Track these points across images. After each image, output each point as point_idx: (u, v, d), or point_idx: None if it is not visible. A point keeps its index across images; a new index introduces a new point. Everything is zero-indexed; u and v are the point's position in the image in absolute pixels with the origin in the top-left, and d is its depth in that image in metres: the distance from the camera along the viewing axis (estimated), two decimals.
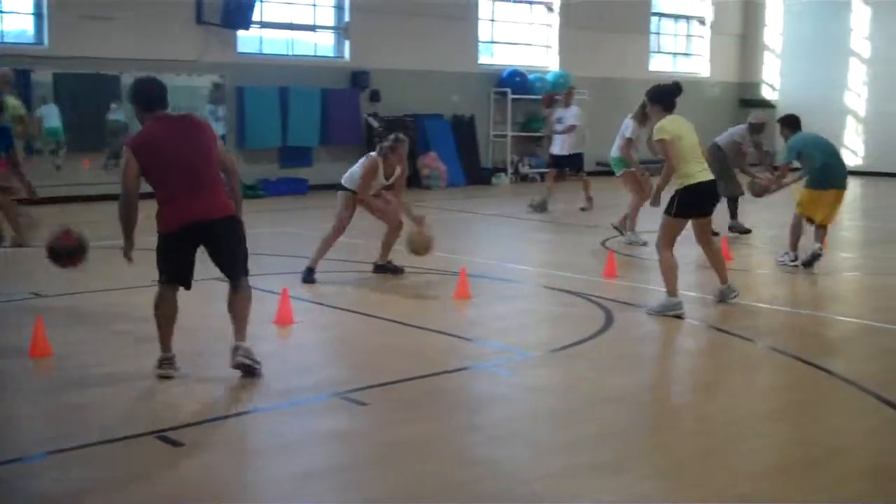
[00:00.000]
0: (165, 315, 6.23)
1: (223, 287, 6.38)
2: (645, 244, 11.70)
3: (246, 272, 6.27)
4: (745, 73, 26.27)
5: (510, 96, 20.61)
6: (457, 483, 4.63)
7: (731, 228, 12.72)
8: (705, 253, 8.69)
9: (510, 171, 21.12)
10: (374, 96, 19.11)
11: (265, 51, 18.58)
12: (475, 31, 20.91)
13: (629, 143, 12.05)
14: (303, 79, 18.21)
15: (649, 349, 7.47)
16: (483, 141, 20.79)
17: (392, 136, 9.96)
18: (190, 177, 6.04)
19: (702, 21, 25.63)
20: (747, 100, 26.02)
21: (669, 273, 8.18)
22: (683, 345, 7.67)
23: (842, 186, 10.35)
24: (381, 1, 19.03)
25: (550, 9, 22.25)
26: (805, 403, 6.06)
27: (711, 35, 25.61)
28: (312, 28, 19.18)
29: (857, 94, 24.13)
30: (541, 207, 15.36)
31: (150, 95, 6.18)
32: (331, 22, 19.30)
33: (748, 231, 12.79)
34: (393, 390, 6.08)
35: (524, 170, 21.27)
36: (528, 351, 7.05)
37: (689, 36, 25.69)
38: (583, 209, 15.33)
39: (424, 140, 19.42)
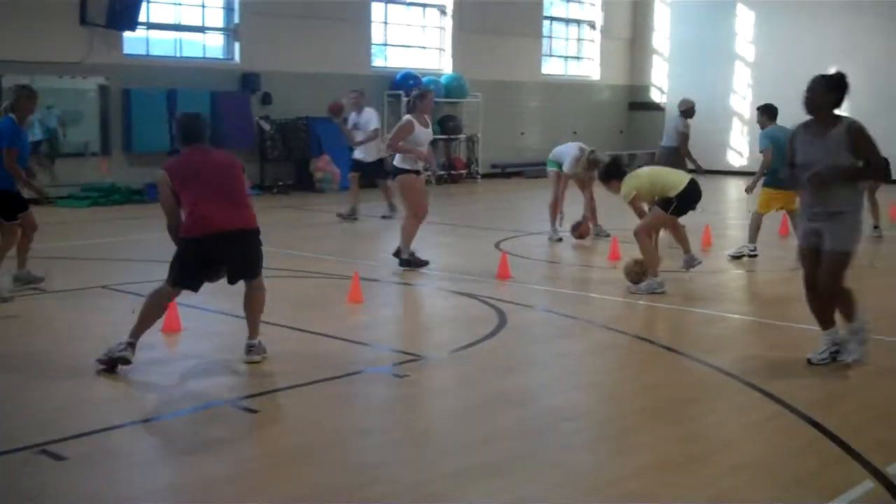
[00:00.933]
0: (149, 316, 6.55)
1: (109, 296, 6.19)
2: (560, 240, 12.37)
3: (259, 271, 6.74)
4: (634, 76, 26.78)
5: (404, 99, 20.58)
6: (348, 488, 4.58)
7: None
8: (672, 233, 10.06)
9: None
10: (266, 99, 18.87)
11: (152, 52, 18.17)
12: (368, 34, 20.83)
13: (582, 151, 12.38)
14: (191, 81, 17.86)
15: (542, 349, 7.51)
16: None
17: (419, 88, 10.73)
18: (221, 189, 6.52)
19: (592, 25, 26.04)
20: (637, 102, 26.56)
21: (655, 256, 9.34)
22: (576, 345, 7.74)
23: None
24: (272, 3, 18.81)
25: (444, 12, 22.32)
26: (690, 400, 6.17)
27: (601, 39, 26.04)
28: (201, 29, 18.84)
29: (741, 97, 24.82)
30: (350, 216, 14.57)
31: (189, 131, 6.70)
32: (220, 23, 18.98)
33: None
34: (284, 397, 6.00)
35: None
36: (422, 353, 7.03)
37: (580, 40, 26.07)
38: (385, 217, 14.59)
39: (317, 143, 19.25)
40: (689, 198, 9.40)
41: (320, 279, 9.90)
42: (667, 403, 6.03)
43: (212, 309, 8.30)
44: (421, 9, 22.14)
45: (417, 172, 10.27)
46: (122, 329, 6.49)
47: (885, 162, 6.54)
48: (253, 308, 6.73)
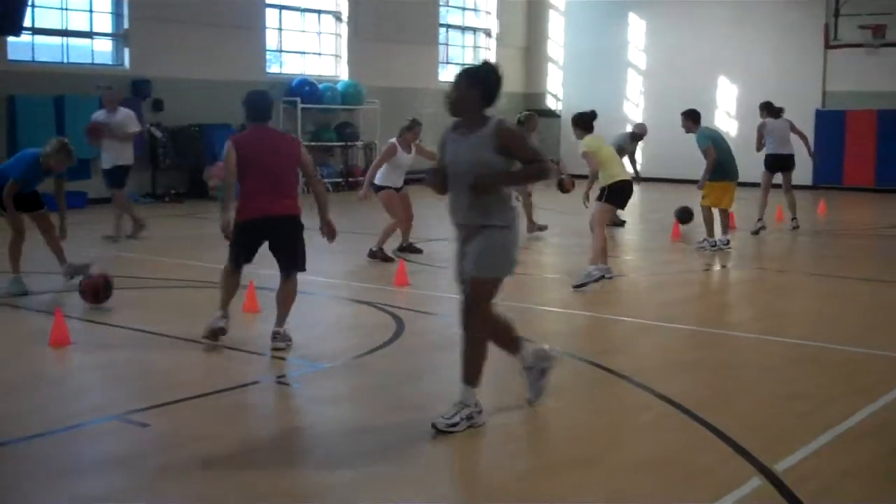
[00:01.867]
0: (229, 285, 7.51)
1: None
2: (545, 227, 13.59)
3: (302, 268, 7.50)
4: (530, 83, 27.08)
5: (300, 106, 20.43)
6: (240, 502, 4.48)
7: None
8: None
9: (301, 181, 20.87)
10: (157, 105, 18.49)
11: (38, 58, 17.64)
12: (262, 40, 20.61)
13: None
14: (79, 87, 17.39)
15: (439, 356, 7.49)
16: None
17: (410, 119, 12.20)
18: (273, 178, 7.19)
19: (488, 33, 26.25)
20: (533, 110, 26.81)
21: (601, 248, 10.08)
22: None
23: (736, 178, 12.40)
24: (163, 8, 18.45)
25: (339, 18, 22.22)
26: (583, 401, 6.25)
27: (497, 47, 26.27)
28: (89, 34, 18.37)
29: (634, 104, 25.31)
30: (135, 232, 13.14)
31: (256, 110, 7.32)
32: (109, 28, 18.54)
33: (623, 223, 14.66)
34: (177, 410, 5.86)
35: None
36: (319, 362, 6.96)
37: (476, 47, 26.25)
38: (109, 237, 12.94)
39: (211, 151, 18.93)
40: (620, 192, 10.18)
41: (215, 289, 9.70)
42: (560, 406, 6.08)
43: (101, 322, 8.09)
44: (316, 15, 22.00)
45: (398, 189, 11.72)
46: None
47: (545, 162, 5.65)
48: (286, 300, 7.41)
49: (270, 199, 7.16)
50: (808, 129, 22.20)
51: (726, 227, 12.61)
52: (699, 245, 12.50)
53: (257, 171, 7.13)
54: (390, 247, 11.73)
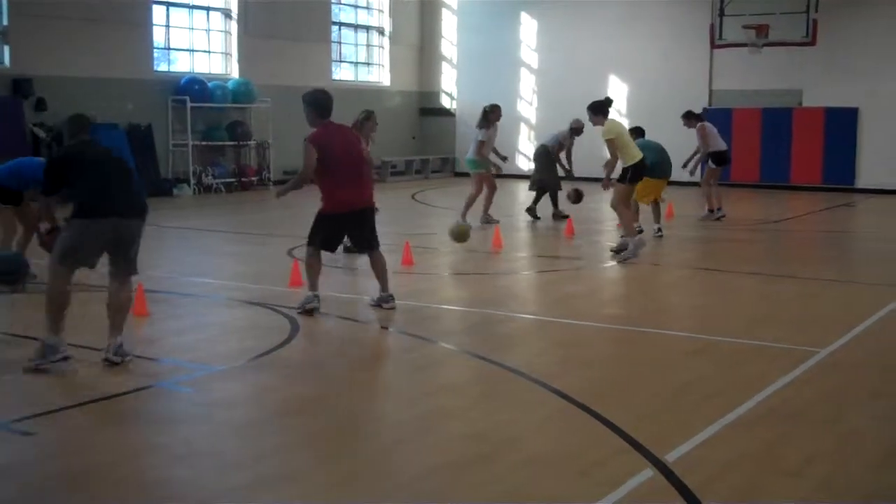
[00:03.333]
0: (315, 266, 8.43)
1: None
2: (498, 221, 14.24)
3: (377, 244, 8.54)
4: (424, 82, 27.11)
5: (189, 104, 20.05)
6: None
7: (554, 216, 15.45)
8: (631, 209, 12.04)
9: (193, 181, 20.53)
10: (40, 105, 17.88)
11: None
12: (149, 37, 20.14)
13: (482, 144, 14.33)
14: None
15: (334, 356, 7.46)
16: (162, 151, 20.07)
17: (364, 112, 12.35)
18: (352, 171, 8.18)
19: (381, 32, 26.19)
20: (427, 108, 26.89)
21: (631, 223, 11.75)
22: (368, 350, 7.74)
23: (668, 175, 13.45)
24: (45, 4, 17.87)
25: (229, 15, 21.87)
26: (480, 399, 6.27)
27: (391, 45, 26.22)
28: None
29: (528, 103, 25.56)
30: None
31: (324, 107, 8.28)
32: None
33: (567, 216, 14.95)
34: (63, 417, 5.70)
35: (207, 180, 20.73)
36: (212, 365, 6.85)
37: (369, 46, 26.16)
38: None
39: None
40: (639, 169, 11.57)
41: (102, 293, 9.45)
42: (456, 404, 6.11)
43: None
44: (205, 12, 21.61)
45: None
46: None
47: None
48: (379, 271, 8.53)
49: (354, 193, 8.26)
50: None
51: (658, 217, 13.74)
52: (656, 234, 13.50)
53: (337, 161, 8.11)
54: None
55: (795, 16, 20.32)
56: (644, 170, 11.77)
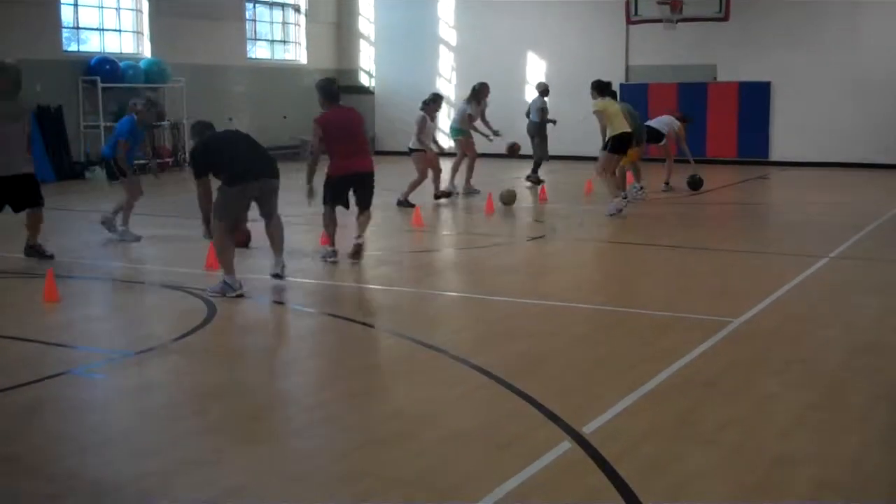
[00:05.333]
0: (332, 223, 9.91)
1: None
2: (478, 192, 15.70)
3: (369, 205, 10.02)
4: (342, 60, 26.86)
5: (100, 85, 19.57)
6: (42, 498, 4.27)
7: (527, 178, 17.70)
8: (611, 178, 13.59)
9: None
10: None
11: None
12: (57, 16, 19.59)
13: (469, 118, 16.25)
14: None
15: (253, 339, 7.37)
16: (73, 133, 19.57)
17: (431, 94, 15.50)
18: (350, 144, 9.70)
19: (297, 9, 25.85)
20: (346, 86, 26.61)
21: (614, 186, 13.47)
22: (286, 332, 7.67)
23: (642, 140, 14.90)
24: None
25: None
26: (400, 377, 6.27)
27: (307, 23, 25.92)
28: None
29: (447, 80, 25.50)
30: None
31: (330, 93, 9.85)
32: None
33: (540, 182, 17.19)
34: None
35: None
36: (125, 351, 6.71)
37: (285, 23, 25.82)
38: None
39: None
40: (621, 140, 13.25)
41: (11, 279, 9.23)
42: (377, 383, 6.09)
43: None
44: None
45: (425, 151, 14.59)
46: None
47: None
48: (362, 222, 9.94)
49: (352, 161, 9.72)
50: None
51: (638, 177, 15.48)
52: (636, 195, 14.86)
53: (343, 136, 9.65)
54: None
55: None
56: (629, 142, 13.46)
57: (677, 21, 20.79)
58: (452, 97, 25.20)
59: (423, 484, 4.43)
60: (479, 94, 16.45)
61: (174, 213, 12.99)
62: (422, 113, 14.75)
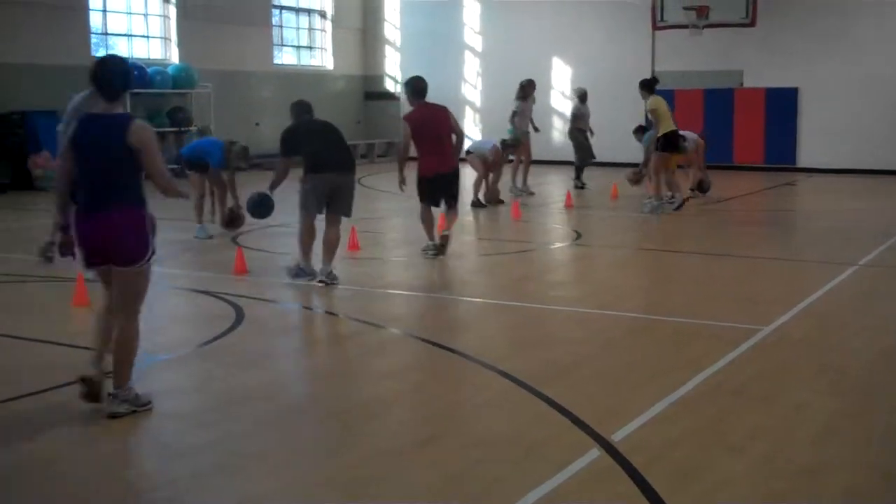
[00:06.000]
0: (427, 220, 10.51)
1: None
2: (533, 194, 16.62)
3: (455, 204, 10.57)
4: (368, 66, 26.96)
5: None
6: (72, 500, 4.30)
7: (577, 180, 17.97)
8: (665, 175, 14.27)
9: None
10: None
11: None
12: (86, 22, 19.76)
13: (517, 115, 16.42)
14: None
15: (281, 343, 7.40)
16: None
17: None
18: (438, 143, 10.10)
19: (323, 15, 25.96)
20: (372, 92, 26.76)
21: (662, 187, 14.07)
22: (315, 336, 7.70)
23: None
24: None
25: (167, 0, 21.53)
26: (426, 382, 6.26)
27: (333, 29, 26.02)
28: None
29: (472, 86, 25.53)
30: None
31: (418, 90, 10.25)
32: None
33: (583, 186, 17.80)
34: (4, 410, 5.59)
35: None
36: (156, 355, 6.74)
37: (311, 29, 25.93)
38: None
39: (35, 139, 18.09)
40: (668, 139, 13.77)
41: (41, 283, 9.31)
42: (403, 388, 6.09)
43: None
44: None
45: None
46: None
47: None
48: (451, 221, 10.60)
49: (438, 160, 10.11)
50: (639, 109, 22.91)
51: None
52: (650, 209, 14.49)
53: (430, 135, 10.03)
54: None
55: None
56: (677, 139, 13.92)
57: (703, 27, 20.73)
58: (478, 103, 25.27)
59: (451, 490, 4.43)
60: (526, 90, 16.81)
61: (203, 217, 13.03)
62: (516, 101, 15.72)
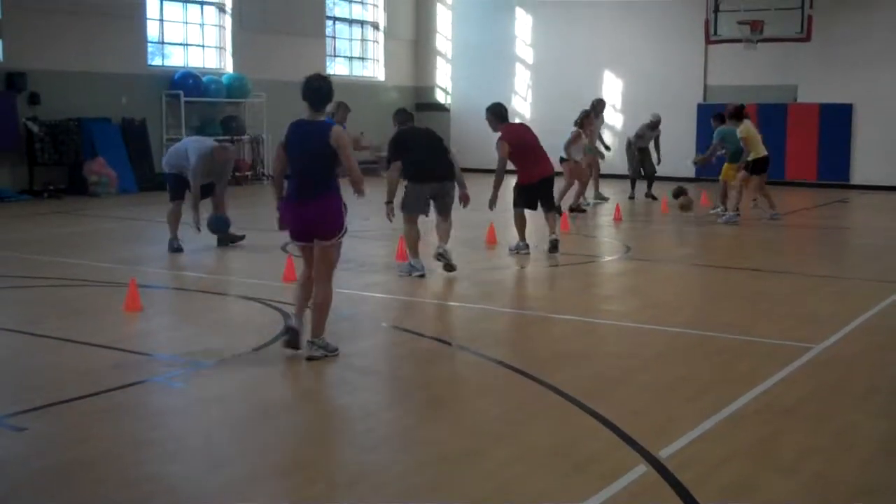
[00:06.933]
0: (522, 223, 11.53)
1: None
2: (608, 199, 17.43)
3: (552, 207, 11.70)
4: (419, 77, 27.06)
5: (183, 99, 19.99)
6: (121, 503, 4.35)
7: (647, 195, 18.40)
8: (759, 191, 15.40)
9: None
10: (34, 99, 17.82)
11: None
12: (143, 31, 20.07)
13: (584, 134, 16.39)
14: None
15: None
16: (157, 145, 20.00)
17: (588, 108, 16.70)
18: (536, 153, 11.33)
19: (376, 26, 26.13)
20: (423, 103, 26.84)
21: (739, 200, 15.04)
22: (363, 344, 7.70)
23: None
24: None
25: (223, 10, 21.81)
26: (472, 393, 6.25)
27: (385, 40, 26.17)
28: None
29: (522, 98, 25.53)
30: None
31: (502, 114, 11.27)
32: None
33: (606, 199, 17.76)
34: (55, 412, 5.67)
35: None
36: (204, 361, 6.81)
37: (363, 40, 26.10)
38: None
39: (91, 145, 18.40)
40: (761, 164, 14.75)
41: (95, 287, 9.45)
42: (449, 399, 6.09)
43: None
44: (199, 6, 21.56)
45: (576, 161, 15.80)
46: None
47: None
48: (552, 221, 11.53)
49: (537, 168, 11.25)
50: (691, 124, 22.81)
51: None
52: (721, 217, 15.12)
53: (525, 147, 11.16)
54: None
55: (790, 11, 20.28)
56: (767, 164, 14.82)
57: (757, 41, 20.53)
58: (528, 115, 25.23)
59: (497, 502, 4.42)
60: (596, 108, 17.21)
61: (252, 225, 13.17)
62: (576, 129, 15.86)
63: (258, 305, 8.61)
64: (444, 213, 10.10)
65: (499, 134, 11.19)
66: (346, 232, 6.82)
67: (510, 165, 11.21)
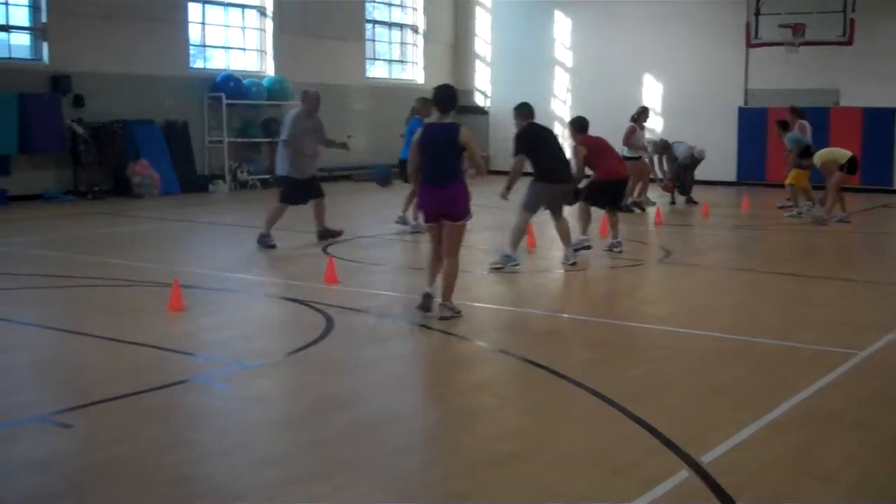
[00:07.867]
0: (585, 218, 12.07)
1: None
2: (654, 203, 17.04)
3: (620, 206, 12.68)
4: (458, 80, 27.03)
5: (225, 101, 20.17)
6: (163, 502, 4.41)
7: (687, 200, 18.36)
8: (833, 192, 15.40)
9: (228, 178, 20.67)
10: (78, 101, 18.09)
11: None
12: (185, 35, 20.28)
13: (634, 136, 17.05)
14: None
15: (369, 353, 7.46)
16: (198, 147, 20.22)
17: (640, 108, 17.58)
18: (612, 155, 12.02)
19: (415, 30, 26.22)
20: (462, 107, 26.79)
21: (835, 200, 15.49)
22: (403, 347, 7.74)
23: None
24: (84, 2, 18.05)
25: (264, 13, 21.99)
26: (513, 397, 6.27)
27: (425, 43, 26.25)
28: (5, 28, 17.88)
29: (562, 101, 25.48)
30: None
31: (584, 126, 11.83)
32: (26, 22, 18.06)
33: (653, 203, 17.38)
34: (101, 410, 5.75)
35: (243, 177, 20.86)
36: (246, 361, 6.88)
37: (403, 44, 26.19)
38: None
39: (134, 147, 18.62)
40: (852, 164, 15.35)
41: (138, 287, 9.57)
42: (489, 402, 6.10)
43: (21, 321, 7.91)
44: (240, 10, 21.74)
45: (638, 159, 16.80)
46: None
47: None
48: (615, 222, 12.07)
49: (619, 167, 12.02)
50: (731, 127, 22.67)
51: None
52: (791, 214, 16.13)
53: (603, 151, 11.74)
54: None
55: (832, 15, 20.10)
56: (856, 166, 15.62)
57: (799, 45, 20.36)
58: (567, 118, 25.14)
59: None
60: (642, 116, 17.56)
61: (294, 227, 13.27)
62: (632, 124, 16.63)
63: (300, 307, 8.68)
64: (559, 212, 10.73)
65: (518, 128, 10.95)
66: (471, 217, 8.12)
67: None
